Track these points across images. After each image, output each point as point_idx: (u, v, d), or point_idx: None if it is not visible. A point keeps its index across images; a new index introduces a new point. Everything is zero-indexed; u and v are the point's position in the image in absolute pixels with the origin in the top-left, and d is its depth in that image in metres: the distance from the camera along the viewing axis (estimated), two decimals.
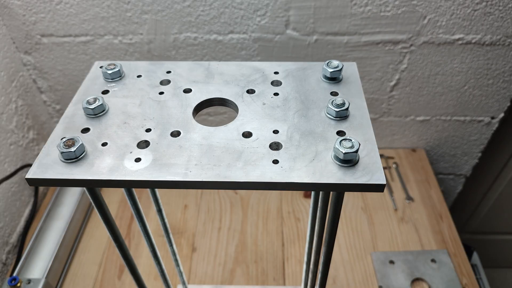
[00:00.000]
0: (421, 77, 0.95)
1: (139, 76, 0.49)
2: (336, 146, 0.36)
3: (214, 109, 1.02)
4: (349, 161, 0.36)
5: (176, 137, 0.41)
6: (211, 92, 0.46)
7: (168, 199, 1.02)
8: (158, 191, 0.60)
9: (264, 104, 0.44)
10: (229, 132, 0.41)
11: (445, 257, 0.87)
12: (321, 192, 0.44)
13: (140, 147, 0.39)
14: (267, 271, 0.86)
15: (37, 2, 0.83)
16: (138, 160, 0.38)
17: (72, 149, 0.37)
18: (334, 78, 0.47)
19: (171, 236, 0.67)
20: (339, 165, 0.37)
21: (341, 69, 0.46)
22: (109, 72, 0.47)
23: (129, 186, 0.38)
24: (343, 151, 0.36)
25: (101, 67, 0.50)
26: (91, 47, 0.91)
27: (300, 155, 0.38)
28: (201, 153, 0.39)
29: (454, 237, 0.92)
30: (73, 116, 0.43)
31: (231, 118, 0.42)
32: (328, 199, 0.44)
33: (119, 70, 0.48)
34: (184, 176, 0.36)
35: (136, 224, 0.95)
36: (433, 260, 0.87)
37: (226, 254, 0.90)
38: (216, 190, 1.04)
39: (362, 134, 0.40)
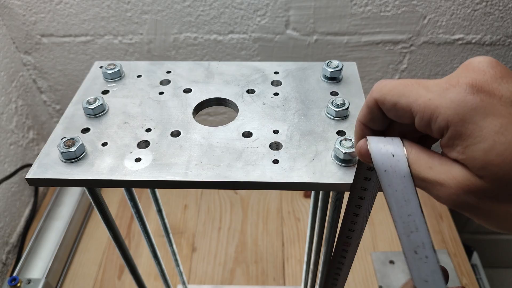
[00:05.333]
0: (421, 77, 0.95)
1: (139, 76, 0.49)
2: (336, 146, 0.36)
3: (214, 109, 1.02)
4: (349, 161, 0.36)
5: (176, 137, 0.41)
6: (211, 92, 0.46)
7: (168, 199, 1.01)
8: (158, 191, 0.60)
9: (264, 104, 0.44)
10: (229, 132, 0.41)
11: (445, 257, 0.87)
12: (321, 192, 0.44)
13: (140, 147, 0.39)
14: (267, 271, 0.86)
15: (37, 2, 0.83)
16: (138, 160, 0.38)
17: (72, 149, 0.37)
18: (334, 78, 0.47)
19: (171, 236, 0.67)
20: (339, 165, 0.37)
21: (341, 69, 0.46)
22: (109, 72, 0.47)
23: (129, 186, 0.38)
24: (343, 151, 0.36)
25: (101, 67, 0.50)
26: (91, 47, 0.91)
27: (300, 155, 0.38)
28: (201, 153, 0.39)
29: (454, 237, 0.92)
30: (73, 116, 0.43)
31: (231, 118, 0.42)
32: (328, 199, 0.44)
33: (119, 70, 0.48)
34: (184, 176, 0.36)
35: (136, 224, 0.95)
36: None
37: (226, 254, 0.90)
38: (216, 190, 1.04)
39: None
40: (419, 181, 0.26)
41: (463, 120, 0.23)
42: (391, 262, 0.87)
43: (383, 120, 0.28)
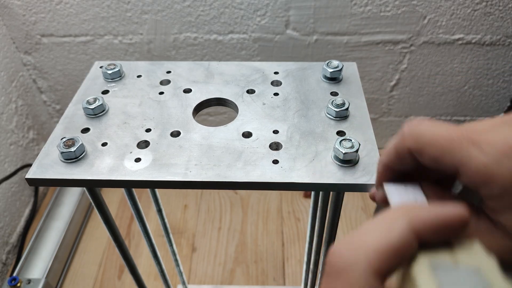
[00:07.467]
0: (421, 77, 0.95)
1: (139, 76, 0.49)
2: (336, 146, 0.36)
3: (214, 109, 1.02)
4: (349, 161, 0.36)
5: (176, 137, 0.40)
6: (211, 92, 0.46)
7: (168, 199, 1.01)
8: (158, 191, 0.60)
9: (264, 104, 0.44)
10: (229, 132, 0.41)
11: None
12: (321, 192, 0.44)
13: (140, 147, 0.39)
14: (267, 271, 0.86)
15: (37, 2, 0.83)
16: (138, 160, 0.38)
17: (72, 149, 0.37)
18: (334, 78, 0.47)
19: (171, 236, 0.67)
20: (339, 165, 0.37)
21: (341, 69, 0.46)
22: (109, 72, 0.47)
23: (129, 186, 0.38)
24: (343, 151, 0.36)
25: (101, 67, 0.50)
26: (91, 47, 0.90)
27: (300, 155, 0.38)
28: (201, 153, 0.38)
29: None
30: (73, 116, 0.43)
31: (231, 118, 0.42)
32: (328, 199, 0.44)
33: (119, 70, 0.48)
34: (184, 176, 0.36)
35: (136, 224, 0.95)
36: None
37: (226, 254, 0.90)
38: (216, 190, 1.04)
39: (362, 134, 0.40)
40: None
41: None
42: None
43: (412, 163, 0.25)
